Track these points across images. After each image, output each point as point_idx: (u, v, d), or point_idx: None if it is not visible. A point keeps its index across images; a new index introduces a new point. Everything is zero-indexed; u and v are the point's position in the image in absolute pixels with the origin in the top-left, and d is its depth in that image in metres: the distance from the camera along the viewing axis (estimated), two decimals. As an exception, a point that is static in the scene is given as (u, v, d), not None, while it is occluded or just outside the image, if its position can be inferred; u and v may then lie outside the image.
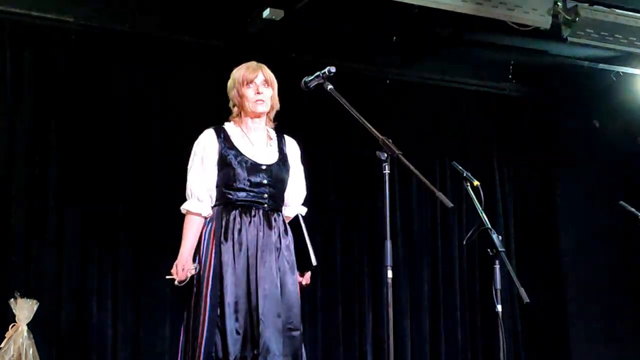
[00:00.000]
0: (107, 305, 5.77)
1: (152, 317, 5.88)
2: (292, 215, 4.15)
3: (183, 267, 3.90)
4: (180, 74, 6.22)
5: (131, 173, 5.99)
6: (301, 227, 4.05)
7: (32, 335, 5.22)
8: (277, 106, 4.13)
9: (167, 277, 3.94)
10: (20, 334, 5.16)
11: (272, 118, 4.14)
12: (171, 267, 3.94)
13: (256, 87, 4.02)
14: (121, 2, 5.92)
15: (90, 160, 5.88)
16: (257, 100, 4.01)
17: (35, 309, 5.23)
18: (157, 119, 6.15)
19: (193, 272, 3.92)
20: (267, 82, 4.05)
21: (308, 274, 4.13)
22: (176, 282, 3.91)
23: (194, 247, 3.98)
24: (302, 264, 4.07)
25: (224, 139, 4.01)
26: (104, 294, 5.78)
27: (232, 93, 4.08)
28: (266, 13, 5.76)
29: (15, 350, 5.11)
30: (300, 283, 4.11)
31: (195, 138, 4.10)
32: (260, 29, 6.02)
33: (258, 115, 4.05)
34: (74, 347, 5.64)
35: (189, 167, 4.05)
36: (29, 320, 5.22)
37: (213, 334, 3.82)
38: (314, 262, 4.03)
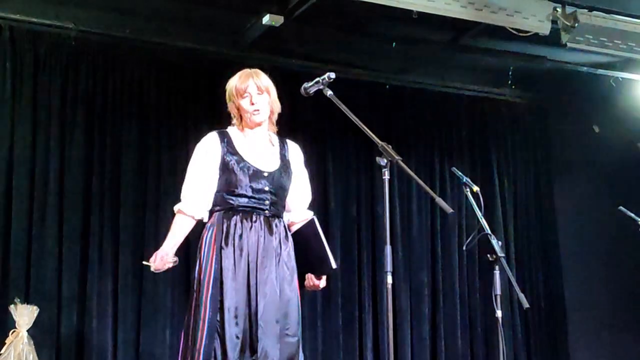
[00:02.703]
0: (107, 311, 5.77)
1: (152, 323, 5.88)
2: (297, 221, 4.13)
3: (162, 257, 3.86)
4: (179, 80, 6.23)
5: (131, 178, 5.99)
6: (317, 231, 3.98)
7: (32, 341, 5.22)
8: (278, 109, 4.10)
9: (144, 263, 3.90)
10: (20, 340, 5.16)
11: (274, 122, 4.12)
12: (150, 258, 3.89)
13: (250, 97, 4.00)
14: (121, 9, 5.92)
15: (89, 165, 5.89)
16: (253, 111, 3.99)
17: (35, 315, 5.23)
18: (156, 125, 6.15)
19: (171, 264, 3.88)
20: (260, 89, 4.00)
21: (324, 277, 4.10)
22: (152, 269, 3.87)
23: (178, 244, 3.95)
24: (321, 268, 4.02)
25: (227, 144, 4.00)
26: (104, 299, 5.77)
27: (230, 106, 4.07)
28: (266, 19, 5.75)
29: (16, 356, 5.11)
30: (317, 287, 4.10)
31: (195, 144, 4.09)
32: (260, 35, 6.02)
33: (258, 124, 4.04)
34: (74, 353, 5.64)
35: (189, 167, 4.03)
36: (29, 326, 5.21)
37: (212, 339, 3.81)
38: (333, 265, 3.95)
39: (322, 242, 3.96)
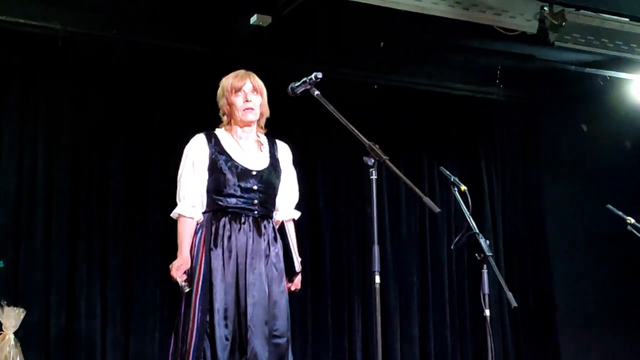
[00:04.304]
0: (96, 313, 5.75)
1: (141, 325, 5.86)
2: (283, 219, 4.14)
3: (179, 266, 3.86)
4: (167, 80, 6.21)
5: (120, 180, 5.98)
6: (286, 233, 4.06)
7: (19, 344, 5.20)
8: (267, 113, 4.13)
9: (184, 287, 3.88)
10: (7, 342, 5.14)
11: (262, 125, 4.14)
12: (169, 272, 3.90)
13: (245, 95, 4.02)
14: (108, 9, 5.90)
15: (78, 167, 5.87)
16: (246, 109, 4.01)
17: (22, 317, 5.21)
18: (145, 125, 6.13)
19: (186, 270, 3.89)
20: (255, 89, 4.05)
21: (297, 280, 4.12)
22: (185, 288, 3.86)
23: (190, 246, 3.95)
24: (288, 270, 4.06)
25: (215, 144, 4.01)
26: (93, 301, 5.76)
27: (222, 102, 4.08)
28: (253, 19, 5.75)
29: (2, 358, 5.09)
30: (289, 289, 4.11)
31: (184, 144, 4.09)
32: (248, 34, 6.01)
33: (248, 124, 4.05)
34: (62, 356, 5.62)
35: (179, 171, 4.04)
36: (16, 329, 5.20)
37: (202, 340, 3.82)
38: (297, 268, 4.04)
39: (289, 245, 4.02)
